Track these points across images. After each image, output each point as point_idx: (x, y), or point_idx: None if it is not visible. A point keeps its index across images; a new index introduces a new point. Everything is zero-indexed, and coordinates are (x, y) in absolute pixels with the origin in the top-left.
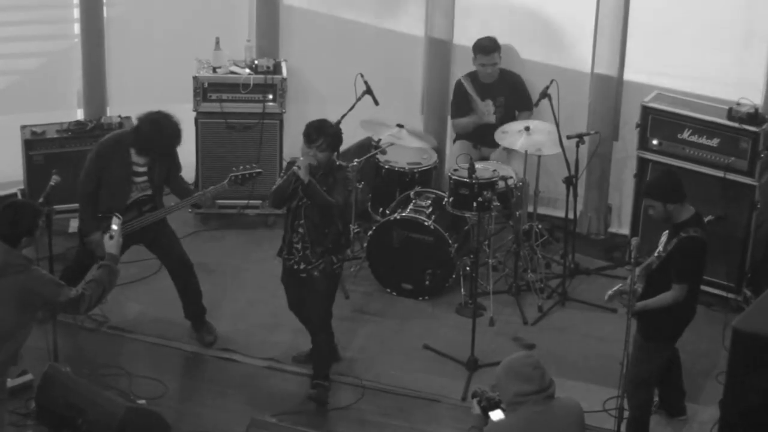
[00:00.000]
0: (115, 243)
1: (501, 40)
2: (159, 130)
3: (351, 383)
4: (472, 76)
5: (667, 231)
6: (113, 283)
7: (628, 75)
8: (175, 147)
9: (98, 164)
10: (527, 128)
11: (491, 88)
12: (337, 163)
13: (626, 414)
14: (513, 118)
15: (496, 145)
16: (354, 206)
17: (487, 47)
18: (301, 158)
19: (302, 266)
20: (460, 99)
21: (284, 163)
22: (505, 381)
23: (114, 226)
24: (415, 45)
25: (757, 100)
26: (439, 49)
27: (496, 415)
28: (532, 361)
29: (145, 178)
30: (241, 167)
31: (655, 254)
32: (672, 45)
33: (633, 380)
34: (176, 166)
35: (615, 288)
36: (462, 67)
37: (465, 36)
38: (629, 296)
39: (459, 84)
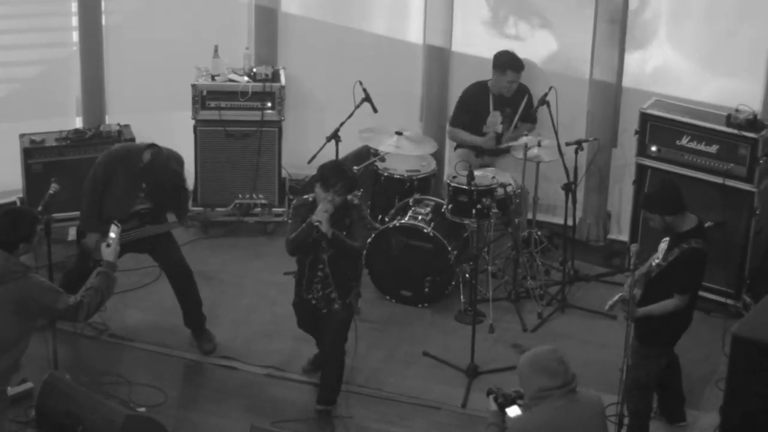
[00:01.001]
0: (112, 251)
1: (499, 47)
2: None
3: (351, 391)
4: (480, 87)
5: (667, 238)
6: (111, 291)
7: (627, 82)
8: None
9: (107, 170)
10: (539, 144)
11: (502, 99)
12: (351, 200)
13: (626, 420)
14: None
15: (498, 154)
16: None
17: (519, 65)
18: (318, 207)
19: (322, 304)
20: (468, 108)
21: (285, 172)
22: (530, 375)
23: (112, 234)
24: (414, 53)
25: (756, 106)
26: (438, 57)
27: (513, 411)
28: (557, 355)
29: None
30: (248, 196)
31: (655, 262)
32: (671, 51)
33: (631, 386)
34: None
35: (615, 298)
36: (461, 74)
37: (463, 44)
38: (630, 302)
39: (473, 90)
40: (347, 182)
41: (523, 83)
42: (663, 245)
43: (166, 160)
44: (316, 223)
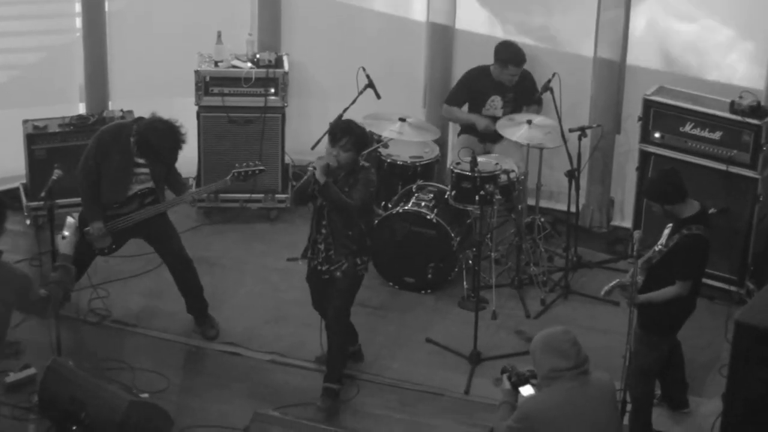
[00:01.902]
0: (68, 243)
1: (503, 24)
2: (160, 143)
3: (354, 377)
4: (482, 70)
5: (670, 224)
6: (73, 283)
7: (630, 68)
8: (177, 155)
9: (98, 153)
10: (529, 122)
11: (503, 84)
12: (361, 163)
13: (628, 407)
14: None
15: (500, 140)
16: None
17: (521, 59)
18: (320, 158)
19: (325, 267)
20: (468, 90)
21: (288, 159)
22: (541, 356)
23: (66, 229)
24: (417, 32)
25: (759, 91)
26: (441, 37)
27: (527, 390)
28: (569, 337)
29: (146, 170)
30: (245, 164)
31: (657, 248)
32: (674, 38)
33: (634, 372)
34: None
35: (612, 283)
36: (464, 57)
37: (467, 21)
38: (632, 288)
39: (475, 73)
40: (353, 138)
41: (526, 68)
42: (667, 231)
43: (152, 122)
44: (311, 168)
